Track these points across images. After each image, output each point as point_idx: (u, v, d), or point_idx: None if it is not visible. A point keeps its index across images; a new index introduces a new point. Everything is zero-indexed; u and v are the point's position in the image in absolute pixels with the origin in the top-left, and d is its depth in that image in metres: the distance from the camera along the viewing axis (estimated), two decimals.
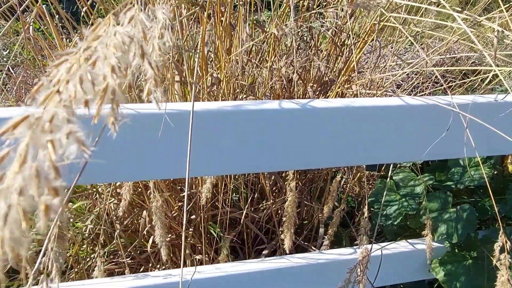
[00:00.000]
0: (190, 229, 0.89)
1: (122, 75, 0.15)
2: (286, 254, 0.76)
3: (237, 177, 0.89)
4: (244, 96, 0.83)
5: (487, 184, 0.62)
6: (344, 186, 1.12)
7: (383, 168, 0.99)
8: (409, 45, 1.98)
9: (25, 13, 0.74)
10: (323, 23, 0.81)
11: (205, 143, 0.56)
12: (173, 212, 0.88)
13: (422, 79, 1.69)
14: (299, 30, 0.72)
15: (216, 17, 0.82)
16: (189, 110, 0.53)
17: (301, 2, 0.89)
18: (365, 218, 0.74)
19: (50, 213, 0.12)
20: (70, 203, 0.92)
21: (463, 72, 1.87)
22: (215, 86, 0.77)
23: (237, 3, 0.85)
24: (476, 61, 1.94)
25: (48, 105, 0.13)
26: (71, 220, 0.93)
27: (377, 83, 1.10)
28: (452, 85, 1.43)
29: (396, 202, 0.85)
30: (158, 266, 0.88)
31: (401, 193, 0.85)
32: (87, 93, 0.14)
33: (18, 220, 0.11)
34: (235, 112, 0.56)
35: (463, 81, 1.42)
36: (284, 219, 0.65)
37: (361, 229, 0.75)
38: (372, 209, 0.88)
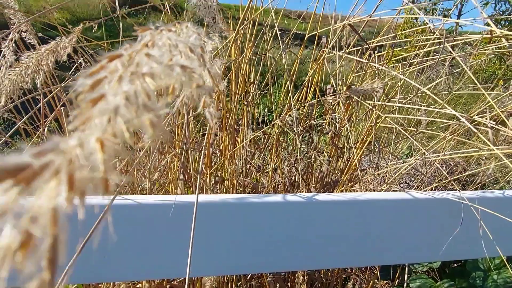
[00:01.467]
0: None
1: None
2: None
3: (238, 284, 0.81)
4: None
5: None
6: None
7: (397, 275, 0.92)
8: (405, 155, 2.05)
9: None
10: (323, 127, 0.86)
11: (207, 239, 0.53)
12: None
13: (423, 186, 1.69)
14: (301, 132, 0.76)
15: (222, 123, 0.87)
16: (191, 201, 0.51)
17: (300, 110, 0.95)
18: None
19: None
20: None
21: (462, 183, 1.90)
22: (219, 184, 0.76)
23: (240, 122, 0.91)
24: (470, 169, 1.98)
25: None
26: None
27: (380, 185, 1.10)
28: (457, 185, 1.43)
29: None
30: None
31: None
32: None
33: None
34: (238, 204, 0.54)
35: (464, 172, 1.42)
36: None
37: None
38: None
